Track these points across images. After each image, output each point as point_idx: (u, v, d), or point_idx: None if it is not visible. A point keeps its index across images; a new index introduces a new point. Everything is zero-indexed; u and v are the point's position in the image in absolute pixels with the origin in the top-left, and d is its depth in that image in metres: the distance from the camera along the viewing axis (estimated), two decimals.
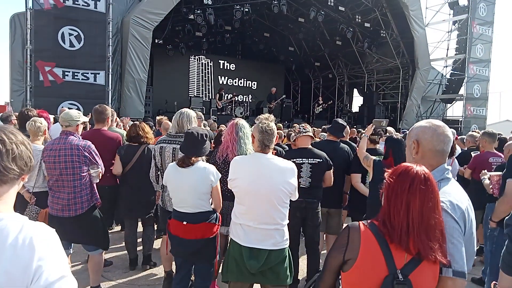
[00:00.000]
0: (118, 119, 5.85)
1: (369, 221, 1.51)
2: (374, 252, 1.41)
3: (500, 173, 3.26)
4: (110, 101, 11.44)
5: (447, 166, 1.74)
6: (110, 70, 11.47)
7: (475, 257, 5.16)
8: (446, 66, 19.16)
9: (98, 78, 11.26)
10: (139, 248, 4.83)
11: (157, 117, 6.86)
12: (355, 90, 22.45)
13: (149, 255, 4.53)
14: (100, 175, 3.56)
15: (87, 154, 3.40)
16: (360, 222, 1.51)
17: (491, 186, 3.54)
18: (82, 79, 11.02)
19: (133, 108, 12.17)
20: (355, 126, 15.28)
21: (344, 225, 6.29)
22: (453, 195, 1.63)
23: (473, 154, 5.44)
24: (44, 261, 1.05)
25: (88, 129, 4.91)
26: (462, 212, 1.59)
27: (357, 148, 4.25)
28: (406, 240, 1.39)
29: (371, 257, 1.41)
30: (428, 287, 1.46)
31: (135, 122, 4.44)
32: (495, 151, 5.11)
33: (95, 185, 3.56)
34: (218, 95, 16.45)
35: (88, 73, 11.10)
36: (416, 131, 1.78)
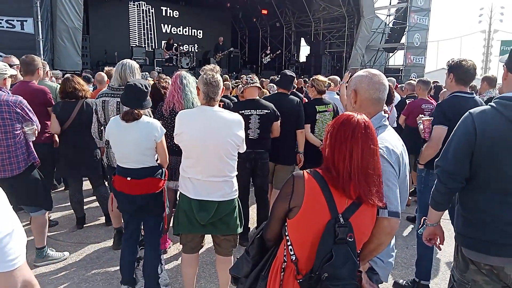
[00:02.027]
0: (50, 72, 5.37)
1: (312, 169, 1.56)
2: (317, 198, 1.47)
3: (431, 118, 3.45)
4: (42, 52, 10.51)
5: (384, 114, 1.83)
6: (39, 17, 10.41)
7: (410, 198, 5.67)
8: (389, 15, 19.61)
9: (26, 26, 10.22)
10: (88, 206, 4.72)
11: (106, 68, 6.37)
12: (302, 40, 22.47)
13: (108, 213, 4.37)
14: (36, 132, 3.34)
15: (19, 110, 3.15)
16: (304, 171, 1.55)
17: (423, 131, 3.78)
18: (7, 27, 9.96)
19: (69, 59, 11.33)
20: (302, 76, 15.43)
21: None
22: (389, 141, 1.73)
23: (407, 102, 5.74)
24: None
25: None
26: (397, 157, 1.71)
27: (340, 98, 4.24)
28: (348, 185, 1.46)
29: (314, 204, 1.47)
30: (366, 228, 1.57)
31: (67, 76, 4.13)
32: (428, 98, 5.42)
33: (31, 143, 3.34)
34: (166, 44, 15.67)
35: (13, 20, 10.03)
36: (354, 80, 1.84)
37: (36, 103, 3.81)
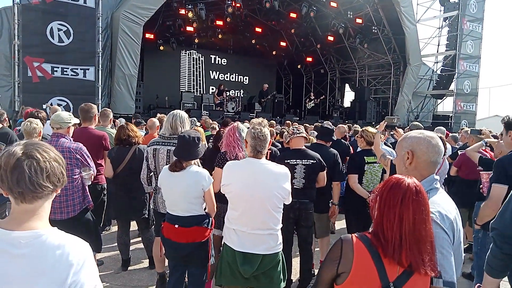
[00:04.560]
0: (112, 119, 5.77)
1: (361, 233, 1.53)
2: (367, 265, 1.42)
3: (490, 172, 3.29)
4: (100, 97, 11.32)
5: (435, 176, 1.77)
6: (100, 65, 11.33)
7: (464, 254, 5.29)
8: (437, 62, 19.38)
9: (88, 74, 11.11)
10: (132, 248, 4.82)
11: (158, 115, 6.89)
12: (347, 85, 22.58)
13: (152, 256, 4.46)
14: (92, 177, 3.54)
15: (78, 156, 3.38)
16: (352, 234, 1.52)
17: (481, 185, 3.59)
18: (71, 75, 10.87)
19: (123, 103, 12.07)
20: (346, 121, 15.37)
21: (337, 226, 6.29)
22: (442, 205, 1.65)
23: (459, 152, 5.51)
24: (79, 275, 1.17)
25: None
26: (451, 222, 1.62)
27: (374, 147, 4.19)
28: (399, 253, 1.40)
29: (364, 271, 1.42)
30: None
31: (122, 124, 4.41)
32: (481, 150, 5.17)
33: (87, 187, 3.54)
34: (217, 90, 16.36)
35: (77, 69, 10.95)
36: (409, 141, 1.77)
37: (93, 146, 4.10)
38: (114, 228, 5.78)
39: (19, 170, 1.16)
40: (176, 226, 2.92)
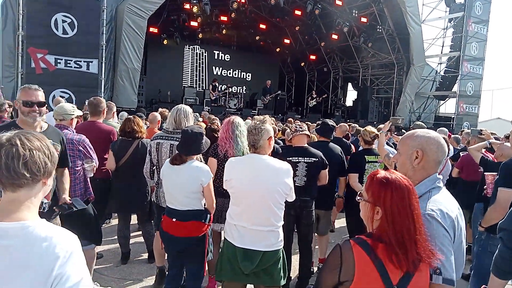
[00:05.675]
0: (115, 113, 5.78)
1: (358, 238, 1.50)
2: (369, 272, 1.41)
3: (495, 173, 3.28)
4: (102, 90, 11.30)
5: (438, 175, 1.77)
6: (104, 58, 11.32)
7: None
8: (441, 63, 19.30)
9: (91, 67, 11.10)
10: (132, 241, 4.84)
11: (160, 109, 6.84)
12: (350, 85, 22.52)
13: (152, 250, 4.49)
14: (94, 169, 3.54)
15: (81, 148, 3.38)
16: (350, 240, 1.50)
17: (485, 186, 3.59)
18: (74, 67, 10.85)
19: (125, 97, 12.07)
20: (348, 120, 15.35)
21: (336, 224, 6.28)
22: (443, 203, 1.65)
23: (461, 154, 5.50)
24: (65, 267, 1.13)
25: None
26: (452, 221, 1.61)
27: (378, 147, 4.19)
28: (405, 254, 1.40)
29: (367, 277, 1.41)
30: None
31: (129, 116, 4.40)
32: (483, 152, 5.17)
33: (88, 179, 3.54)
34: (211, 86, 16.34)
35: (81, 61, 10.93)
36: (418, 140, 1.75)
37: (102, 141, 4.11)
38: (114, 221, 5.79)
39: None
40: (174, 219, 2.94)
